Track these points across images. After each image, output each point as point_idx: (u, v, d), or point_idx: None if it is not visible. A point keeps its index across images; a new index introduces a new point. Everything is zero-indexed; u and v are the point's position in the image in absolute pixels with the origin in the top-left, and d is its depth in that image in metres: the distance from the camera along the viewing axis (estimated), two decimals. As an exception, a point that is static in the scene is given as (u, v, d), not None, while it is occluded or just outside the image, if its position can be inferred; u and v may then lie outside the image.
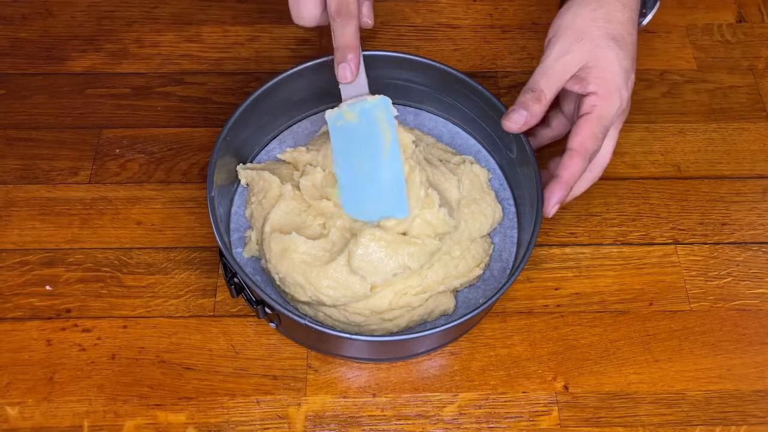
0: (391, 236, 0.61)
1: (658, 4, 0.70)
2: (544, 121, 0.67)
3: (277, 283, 0.64)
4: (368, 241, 0.60)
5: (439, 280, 0.63)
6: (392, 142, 0.63)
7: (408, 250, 0.61)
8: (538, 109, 0.62)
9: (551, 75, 0.62)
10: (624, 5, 0.64)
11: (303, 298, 0.62)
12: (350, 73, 0.61)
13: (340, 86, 0.63)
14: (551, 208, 0.62)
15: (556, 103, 0.67)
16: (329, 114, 0.63)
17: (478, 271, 0.66)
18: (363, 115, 0.62)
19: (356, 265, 0.60)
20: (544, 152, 0.71)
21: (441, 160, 0.69)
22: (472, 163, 0.69)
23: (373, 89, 0.72)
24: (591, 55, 0.62)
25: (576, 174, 0.62)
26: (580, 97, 0.63)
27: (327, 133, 0.71)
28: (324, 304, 0.62)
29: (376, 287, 0.61)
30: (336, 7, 0.58)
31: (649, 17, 0.70)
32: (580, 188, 0.66)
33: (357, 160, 0.63)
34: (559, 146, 0.65)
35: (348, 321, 0.62)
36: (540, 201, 0.62)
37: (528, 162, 0.65)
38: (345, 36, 0.59)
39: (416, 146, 0.64)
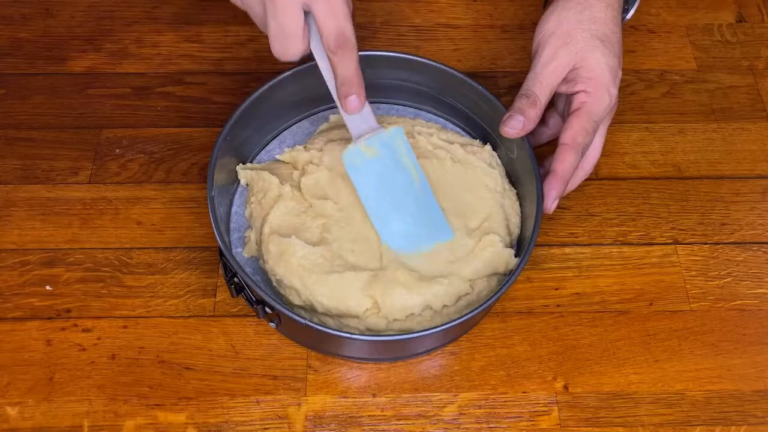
0: (415, 275, 0.61)
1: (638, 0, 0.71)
2: (542, 120, 0.68)
3: (274, 284, 0.64)
4: (393, 282, 0.61)
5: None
6: (417, 168, 0.63)
7: (432, 290, 0.61)
8: (534, 114, 0.63)
9: (542, 80, 0.64)
10: (607, 5, 0.66)
11: (296, 302, 0.62)
12: (359, 104, 0.60)
13: (347, 122, 0.61)
14: (551, 203, 0.63)
15: (551, 103, 0.68)
16: (345, 155, 0.61)
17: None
18: (384, 148, 0.62)
19: (380, 302, 0.61)
20: (543, 151, 0.71)
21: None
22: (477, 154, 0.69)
23: (373, 89, 0.72)
24: (578, 57, 0.64)
25: (570, 168, 0.63)
26: (570, 95, 0.65)
27: (325, 132, 0.71)
28: (316, 311, 0.62)
29: (369, 311, 0.61)
30: (336, 42, 0.55)
31: (631, 12, 0.71)
32: (573, 184, 0.67)
33: (389, 195, 0.62)
34: (554, 145, 0.65)
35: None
36: (540, 201, 0.63)
37: (528, 162, 0.65)
38: (348, 69, 0.57)
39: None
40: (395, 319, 0.61)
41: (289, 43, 0.56)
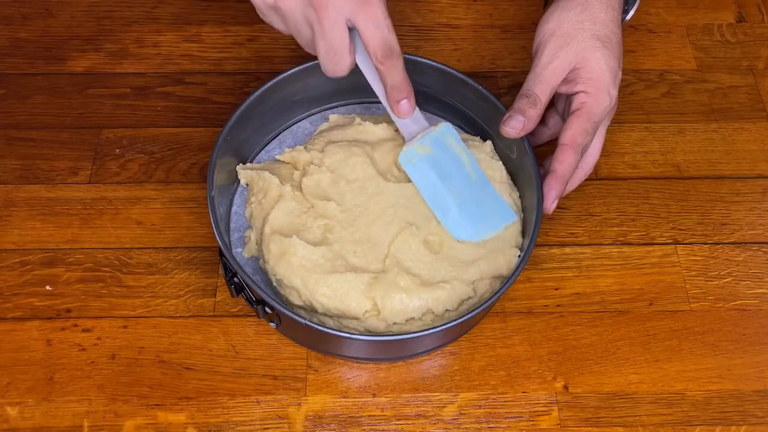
0: (416, 280, 0.61)
1: (639, 0, 0.71)
2: (541, 120, 0.68)
3: (274, 284, 0.64)
4: (393, 286, 0.61)
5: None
6: (470, 159, 0.65)
7: (434, 295, 0.61)
8: (534, 114, 0.64)
9: (543, 80, 0.64)
10: (608, 6, 0.66)
11: (297, 302, 0.62)
12: (410, 107, 0.62)
13: (400, 126, 0.64)
14: (551, 203, 0.63)
15: (551, 103, 0.68)
16: (401, 155, 0.64)
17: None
18: (435, 144, 0.64)
19: (380, 305, 0.61)
20: (542, 151, 0.71)
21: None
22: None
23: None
24: (579, 57, 0.64)
25: (569, 168, 0.63)
26: (570, 96, 0.65)
27: (325, 132, 0.71)
28: (316, 311, 0.62)
29: (369, 313, 0.61)
30: (383, 53, 0.57)
31: (631, 13, 0.71)
32: (572, 184, 0.67)
33: (447, 187, 0.64)
34: (554, 145, 0.65)
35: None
36: (540, 201, 0.63)
37: (528, 162, 0.65)
38: (397, 77, 0.59)
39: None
40: (395, 323, 0.61)
41: (339, 59, 0.57)
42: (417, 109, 0.63)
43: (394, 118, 0.63)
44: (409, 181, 0.66)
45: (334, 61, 0.57)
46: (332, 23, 0.55)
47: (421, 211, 0.64)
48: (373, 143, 0.68)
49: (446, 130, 0.64)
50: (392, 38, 0.57)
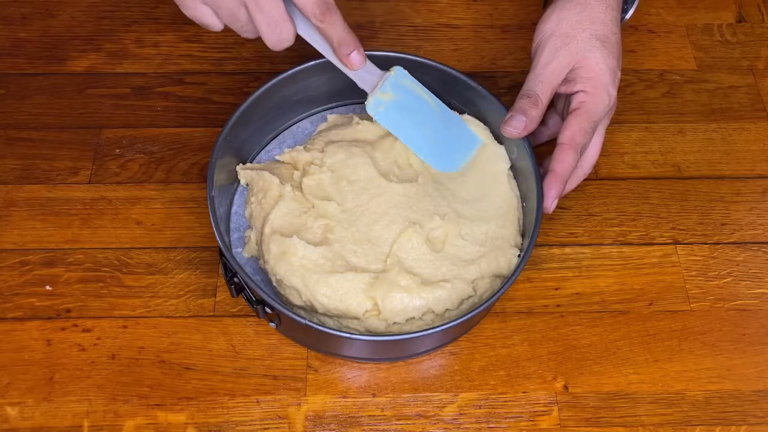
0: (417, 279, 0.61)
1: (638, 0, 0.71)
2: (541, 121, 0.68)
3: (274, 284, 0.64)
4: (394, 286, 0.61)
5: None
6: (428, 93, 0.66)
7: (434, 294, 0.61)
8: (535, 114, 0.64)
9: (543, 80, 0.64)
10: (607, 6, 0.66)
11: (297, 302, 0.62)
12: (361, 57, 0.62)
13: (357, 80, 0.64)
14: (551, 203, 0.63)
15: (550, 103, 0.68)
16: (369, 107, 0.64)
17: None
18: (395, 88, 0.65)
19: (381, 305, 0.61)
20: (542, 150, 0.71)
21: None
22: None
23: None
24: (578, 57, 0.64)
25: (569, 167, 0.63)
26: (570, 95, 0.66)
27: (324, 132, 0.71)
28: (316, 311, 0.62)
29: (369, 313, 0.61)
30: (320, 10, 0.57)
31: (630, 12, 0.71)
32: (571, 184, 0.67)
33: (418, 126, 0.66)
34: (553, 145, 0.65)
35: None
36: (540, 200, 0.63)
37: (528, 162, 0.65)
38: (339, 30, 0.60)
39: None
40: (395, 323, 0.61)
41: (281, 29, 0.57)
42: (368, 60, 0.63)
43: (349, 73, 0.63)
44: (411, 180, 0.66)
45: (278, 32, 0.57)
46: None
47: (424, 210, 0.64)
48: (372, 142, 0.68)
49: (400, 72, 0.65)
50: None
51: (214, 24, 0.58)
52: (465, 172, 0.68)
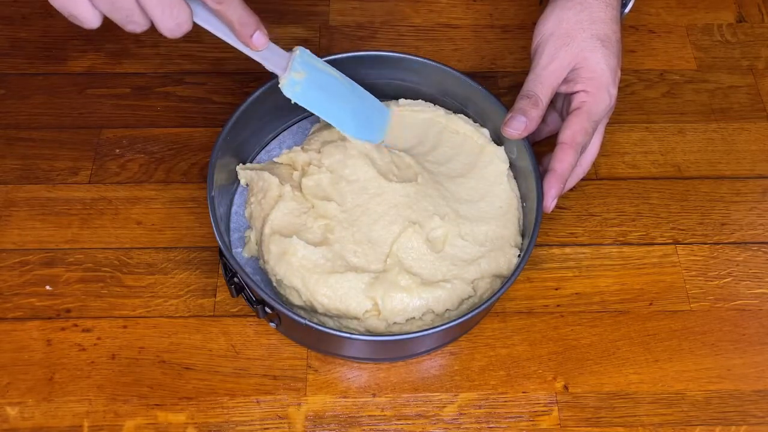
0: (417, 279, 0.61)
1: None
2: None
3: (274, 284, 0.64)
4: (394, 286, 0.61)
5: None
6: (334, 70, 0.66)
7: (434, 294, 0.61)
8: (536, 114, 0.64)
9: (544, 81, 0.64)
10: (606, 4, 0.66)
11: (297, 302, 0.62)
12: (265, 37, 0.58)
13: (264, 62, 0.61)
14: (551, 202, 0.63)
15: (551, 102, 0.68)
16: (285, 89, 0.62)
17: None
18: (305, 66, 0.63)
19: (381, 305, 0.61)
20: (542, 150, 0.71)
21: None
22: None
23: (373, 89, 0.72)
24: (578, 57, 0.64)
25: (568, 167, 0.63)
26: (570, 95, 0.66)
27: (317, 132, 0.71)
28: (316, 311, 0.62)
29: (369, 313, 0.61)
30: None
31: (629, 6, 0.70)
32: (571, 182, 0.67)
33: (334, 102, 0.65)
34: (553, 144, 0.65)
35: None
36: (540, 200, 0.63)
37: (528, 162, 0.65)
38: (237, 10, 0.55)
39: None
40: (395, 323, 0.61)
41: (178, 11, 0.52)
42: (271, 42, 0.61)
43: (254, 55, 0.60)
44: (411, 180, 0.66)
45: (174, 15, 0.51)
46: None
47: (424, 210, 0.64)
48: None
49: (303, 51, 0.64)
50: None
51: (90, 18, 0.50)
52: (465, 172, 0.68)
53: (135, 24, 0.52)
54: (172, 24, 0.52)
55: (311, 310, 0.62)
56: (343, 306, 0.60)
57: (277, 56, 0.62)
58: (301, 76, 0.63)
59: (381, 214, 0.64)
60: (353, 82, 0.68)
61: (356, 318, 0.61)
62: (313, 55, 0.65)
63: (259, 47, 0.59)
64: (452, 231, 0.64)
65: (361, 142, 0.67)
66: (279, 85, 0.63)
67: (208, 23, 0.57)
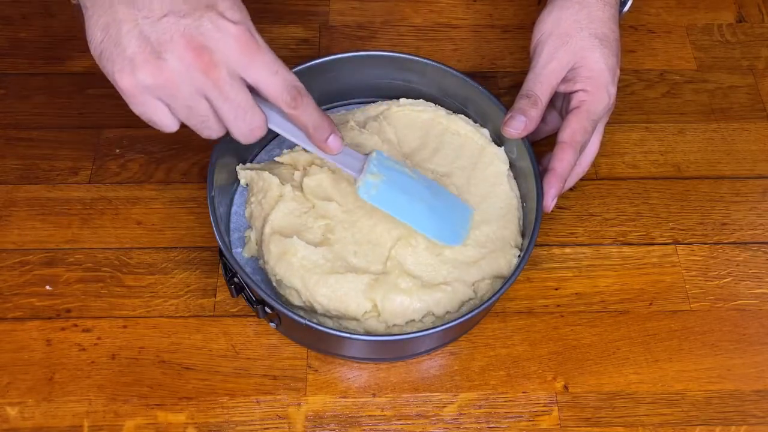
0: (417, 282, 0.61)
1: None
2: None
3: (273, 284, 0.64)
4: (394, 288, 0.61)
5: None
6: (413, 170, 0.63)
7: (434, 297, 0.61)
8: (535, 114, 0.64)
9: (543, 80, 0.64)
10: (605, 3, 0.66)
11: (296, 303, 0.62)
12: (339, 140, 0.57)
13: (339, 164, 0.60)
14: (550, 201, 0.63)
15: (549, 100, 0.68)
16: (360, 191, 0.60)
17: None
18: (381, 168, 0.61)
19: (380, 307, 0.61)
20: (542, 150, 0.71)
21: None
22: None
23: (374, 89, 0.73)
24: (577, 56, 0.64)
25: (568, 166, 0.63)
26: (569, 94, 0.66)
27: None
28: (315, 312, 0.62)
29: (369, 314, 0.61)
30: (291, 96, 0.51)
31: (628, 5, 0.71)
32: (570, 182, 0.67)
33: (413, 204, 0.62)
34: (552, 143, 0.65)
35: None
36: (540, 200, 0.63)
37: (528, 162, 0.65)
38: (313, 114, 0.54)
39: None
40: (394, 324, 0.61)
41: (252, 118, 0.51)
42: (345, 143, 0.59)
43: (328, 158, 0.59)
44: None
45: (248, 121, 0.51)
46: (230, 81, 0.49)
47: None
48: (372, 147, 0.68)
49: (380, 154, 0.62)
50: (293, 78, 0.52)
51: (168, 123, 0.50)
52: (466, 175, 0.68)
53: (210, 130, 0.51)
54: (246, 130, 0.52)
55: (311, 310, 0.62)
56: (343, 307, 0.60)
57: (352, 158, 0.60)
58: (378, 178, 0.60)
59: (382, 215, 0.64)
60: (432, 181, 0.65)
61: (355, 319, 0.61)
62: (390, 157, 0.63)
63: (335, 151, 0.57)
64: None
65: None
66: (355, 187, 0.60)
67: (281, 128, 0.56)
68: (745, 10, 0.87)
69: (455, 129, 0.70)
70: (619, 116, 0.76)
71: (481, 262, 0.63)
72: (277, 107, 0.53)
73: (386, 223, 0.63)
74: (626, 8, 0.71)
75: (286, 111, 0.52)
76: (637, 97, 0.80)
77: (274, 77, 0.50)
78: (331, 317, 0.62)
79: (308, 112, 0.53)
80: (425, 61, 0.69)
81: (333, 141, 0.56)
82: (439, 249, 0.63)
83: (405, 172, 0.63)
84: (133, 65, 0.47)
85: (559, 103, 0.69)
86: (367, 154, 0.61)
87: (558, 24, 0.65)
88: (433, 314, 0.61)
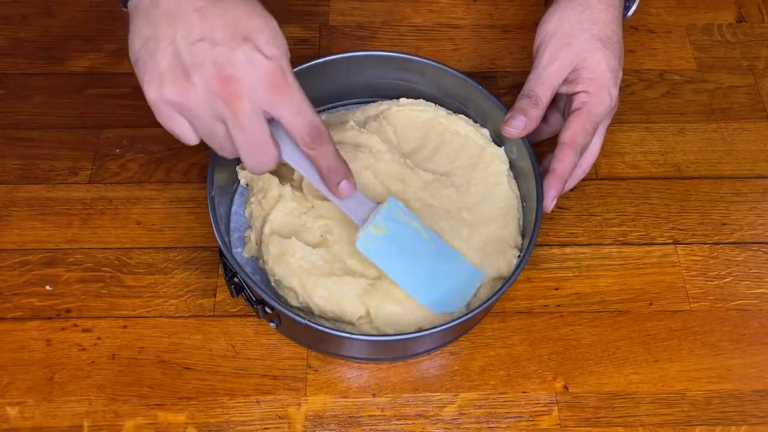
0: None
1: None
2: (543, 118, 0.68)
3: (272, 284, 0.64)
4: (387, 296, 0.61)
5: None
6: (423, 226, 0.62)
7: (424, 312, 0.61)
8: (535, 114, 0.64)
9: (544, 81, 0.64)
10: (608, 5, 0.66)
11: (294, 303, 0.62)
12: (350, 187, 0.57)
13: (346, 210, 0.60)
14: (550, 202, 0.63)
15: (553, 102, 0.68)
16: (360, 242, 0.59)
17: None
18: (389, 221, 0.60)
19: (374, 318, 0.60)
20: (542, 151, 0.71)
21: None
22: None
23: (374, 89, 0.73)
24: (579, 58, 0.64)
25: (569, 167, 0.63)
26: (571, 95, 0.66)
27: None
28: (313, 313, 0.62)
29: (363, 319, 0.61)
30: (311, 137, 0.52)
31: (632, 9, 0.70)
32: (571, 183, 0.67)
33: (410, 263, 0.61)
34: (553, 144, 0.65)
35: None
36: (540, 200, 0.63)
37: (527, 162, 0.65)
38: (330, 158, 0.54)
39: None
40: (386, 334, 0.61)
41: (263, 153, 0.52)
42: (358, 190, 0.59)
43: (337, 202, 0.59)
44: (414, 192, 0.66)
45: (258, 157, 0.52)
46: (249, 115, 0.49)
47: (423, 218, 0.64)
48: (374, 151, 0.67)
49: (393, 204, 0.60)
50: (317, 120, 0.52)
51: (189, 137, 0.52)
52: (466, 176, 0.68)
53: (226, 152, 0.53)
54: (256, 163, 0.53)
55: (308, 311, 0.62)
56: (339, 310, 0.60)
57: (360, 204, 0.60)
58: (382, 231, 0.59)
59: None
60: (443, 242, 0.62)
61: (351, 323, 0.61)
62: (404, 208, 0.61)
63: (345, 196, 0.57)
64: (451, 242, 0.64)
65: (377, 149, 0.66)
66: (356, 236, 0.59)
67: (295, 163, 0.56)
68: (745, 10, 0.87)
69: (455, 129, 0.70)
70: (619, 116, 0.76)
71: (481, 266, 0.63)
72: (295, 144, 0.53)
73: None
74: (630, 12, 0.70)
75: (303, 150, 0.53)
76: (637, 97, 0.80)
77: (297, 117, 0.51)
78: (327, 319, 0.62)
79: (326, 154, 0.54)
80: (425, 61, 0.69)
81: (345, 186, 0.57)
82: None
83: (414, 227, 0.61)
84: (162, 80, 0.49)
85: (562, 105, 0.69)
86: (379, 203, 0.60)
87: (561, 25, 0.65)
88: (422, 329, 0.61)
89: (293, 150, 0.55)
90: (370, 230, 0.59)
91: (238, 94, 0.48)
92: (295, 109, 0.51)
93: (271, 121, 0.51)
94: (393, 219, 0.60)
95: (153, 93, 0.49)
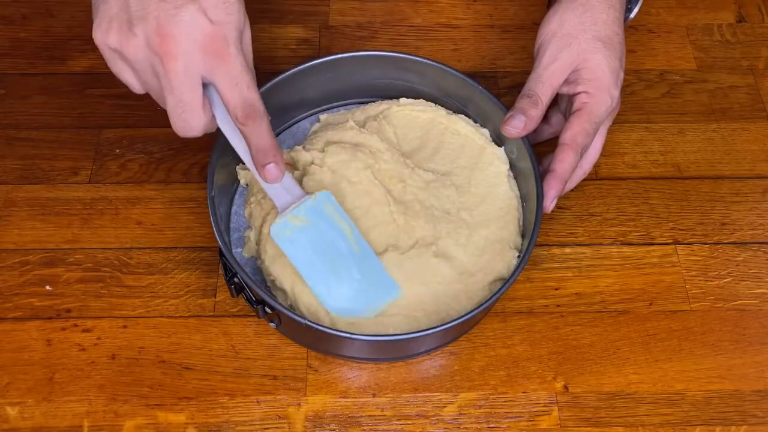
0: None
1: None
2: (544, 118, 0.68)
3: (268, 284, 0.64)
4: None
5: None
6: (352, 228, 0.61)
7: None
8: (535, 114, 0.64)
9: (545, 81, 0.64)
10: (609, 6, 0.66)
11: (284, 304, 0.62)
12: (278, 172, 0.56)
13: (270, 193, 0.59)
14: (550, 202, 0.63)
15: (554, 102, 0.68)
16: (273, 230, 0.58)
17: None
18: (312, 213, 0.59)
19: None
20: (542, 151, 0.71)
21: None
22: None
23: (374, 89, 0.72)
24: (580, 58, 0.64)
25: (569, 168, 0.63)
26: (572, 96, 0.66)
27: (320, 132, 0.70)
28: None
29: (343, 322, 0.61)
30: (243, 113, 0.51)
31: (635, 11, 0.70)
32: (571, 183, 0.67)
33: (327, 260, 0.60)
34: (553, 144, 0.65)
35: None
36: (540, 200, 0.63)
37: (528, 162, 0.65)
38: (261, 138, 0.54)
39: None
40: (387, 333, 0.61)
41: (189, 117, 0.51)
42: (289, 176, 0.59)
43: (263, 184, 0.58)
44: (414, 193, 0.66)
45: (183, 118, 0.52)
46: (181, 76, 0.49)
47: (422, 227, 0.64)
48: (374, 151, 0.68)
49: (325, 198, 0.59)
50: (252, 96, 0.51)
51: (134, 84, 0.53)
52: (466, 176, 0.68)
53: (162, 105, 0.53)
54: (180, 126, 0.53)
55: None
56: (316, 319, 0.60)
57: (287, 193, 0.59)
58: (300, 222, 0.58)
59: (381, 218, 0.64)
60: (370, 252, 0.61)
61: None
62: (336, 205, 0.60)
63: (269, 180, 0.57)
64: (450, 245, 0.64)
65: (375, 149, 0.66)
66: (270, 224, 0.59)
67: (228, 134, 0.56)
68: (745, 10, 0.87)
69: (455, 129, 0.70)
70: (619, 116, 0.75)
71: (478, 274, 0.63)
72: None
73: (382, 226, 0.63)
74: (632, 14, 0.70)
75: (237, 125, 0.53)
76: (637, 97, 0.80)
77: (232, 89, 0.51)
78: None
79: (257, 134, 0.54)
80: (425, 61, 0.69)
81: (271, 169, 0.56)
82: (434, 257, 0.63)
83: (340, 227, 0.60)
84: (109, 25, 0.50)
85: (564, 106, 0.69)
86: (308, 194, 0.59)
87: (562, 25, 0.65)
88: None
89: (228, 120, 0.55)
90: (288, 219, 0.59)
91: (173, 53, 0.48)
92: (231, 80, 0.50)
93: (209, 86, 0.51)
94: (318, 213, 0.59)
95: (99, 37, 0.50)
